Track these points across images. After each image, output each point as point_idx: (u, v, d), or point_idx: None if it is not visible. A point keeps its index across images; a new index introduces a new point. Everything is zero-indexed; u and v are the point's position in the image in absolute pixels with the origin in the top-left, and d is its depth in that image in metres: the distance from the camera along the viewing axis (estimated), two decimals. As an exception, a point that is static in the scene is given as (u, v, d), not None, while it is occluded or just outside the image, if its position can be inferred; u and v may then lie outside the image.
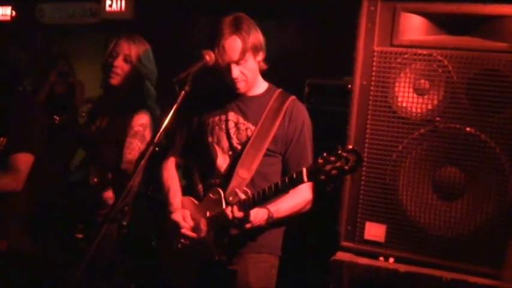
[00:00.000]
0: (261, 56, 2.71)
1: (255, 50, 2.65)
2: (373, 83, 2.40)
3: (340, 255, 2.45)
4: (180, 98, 2.27)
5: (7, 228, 3.32)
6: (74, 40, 8.54)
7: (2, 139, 3.08)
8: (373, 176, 2.41)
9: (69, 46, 8.27)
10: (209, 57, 2.48)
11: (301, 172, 2.31)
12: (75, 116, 6.00)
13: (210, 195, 2.70)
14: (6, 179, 3.14)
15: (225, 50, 2.57)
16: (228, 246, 2.67)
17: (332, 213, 2.53)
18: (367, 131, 2.41)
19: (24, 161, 3.17)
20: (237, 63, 2.61)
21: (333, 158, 2.19)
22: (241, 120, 2.76)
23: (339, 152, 2.18)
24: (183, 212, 2.77)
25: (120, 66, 3.10)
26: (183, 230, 2.72)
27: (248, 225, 2.50)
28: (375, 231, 2.41)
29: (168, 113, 2.21)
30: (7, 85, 3.32)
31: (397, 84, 2.37)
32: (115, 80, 3.09)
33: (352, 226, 2.46)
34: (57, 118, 4.21)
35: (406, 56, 2.37)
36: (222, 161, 2.76)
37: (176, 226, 2.73)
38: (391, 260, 2.39)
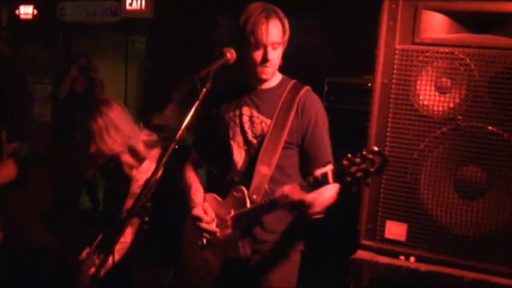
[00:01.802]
0: (284, 50, 2.69)
1: (286, 41, 2.65)
2: (394, 81, 2.39)
3: (361, 254, 2.44)
4: (201, 96, 2.27)
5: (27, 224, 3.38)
6: (94, 38, 8.62)
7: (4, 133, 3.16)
8: (394, 174, 2.40)
9: (90, 44, 8.35)
10: (230, 54, 2.47)
11: (326, 174, 2.26)
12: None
13: (234, 193, 2.68)
14: (6, 169, 3.21)
15: (267, 31, 2.54)
16: (252, 243, 2.66)
17: (349, 211, 2.54)
18: (388, 129, 2.40)
19: (21, 149, 3.27)
20: (273, 46, 2.59)
21: (358, 160, 2.13)
22: (255, 113, 2.72)
23: (364, 153, 2.12)
24: (204, 206, 2.77)
25: None
26: (203, 224, 2.71)
27: (311, 210, 2.38)
28: (395, 229, 2.40)
29: (190, 111, 2.21)
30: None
31: (418, 82, 2.36)
32: None
33: (373, 224, 2.45)
34: (79, 115, 4.23)
35: (427, 54, 2.35)
36: (239, 157, 2.74)
37: (197, 220, 2.73)
38: (412, 259, 2.38)
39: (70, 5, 8.29)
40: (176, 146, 2.18)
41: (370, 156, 2.10)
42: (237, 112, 2.74)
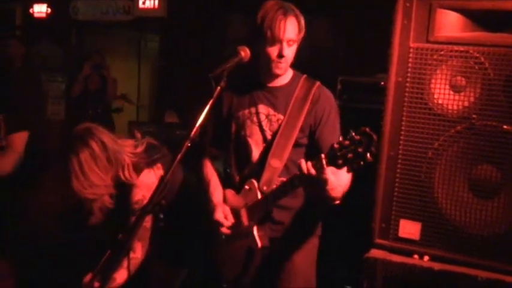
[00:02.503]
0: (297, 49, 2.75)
1: (300, 39, 2.71)
2: (408, 80, 2.38)
3: (374, 253, 2.43)
4: (215, 94, 2.28)
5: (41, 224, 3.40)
6: (107, 37, 8.65)
7: (1, 116, 3.16)
8: (408, 173, 2.39)
9: (103, 43, 8.38)
10: (244, 53, 2.49)
11: (320, 158, 2.31)
12: (109, 111, 6.09)
13: (245, 186, 2.77)
14: (6, 160, 3.23)
15: (284, 27, 2.60)
16: (269, 233, 2.75)
17: (361, 210, 2.54)
18: (402, 128, 2.39)
19: (21, 139, 3.29)
20: (289, 43, 2.65)
21: (347, 142, 2.20)
22: (271, 111, 2.79)
23: (353, 135, 2.19)
24: (224, 210, 2.81)
25: None
26: (224, 230, 2.77)
27: (329, 187, 2.42)
28: (409, 228, 2.39)
29: (204, 109, 2.22)
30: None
31: (433, 81, 2.35)
32: None
33: (387, 223, 2.44)
34: (92, 113, 4.27)
35: (442, 52, 2.34)
36: (257, 154, 2.80)
37: (218, 225, 2.78)
38: (426, 258, 2.37)
39: (83, 3, 8.32)
40: (189, 144, 2.20)
41: (358, 137, 2.17)
42: (253, 110, 2.80)
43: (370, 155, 2.17)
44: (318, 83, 2.81)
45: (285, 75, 2.80)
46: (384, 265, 2.38)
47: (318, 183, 2.39)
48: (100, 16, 8.22)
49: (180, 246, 3.22)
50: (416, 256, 2.39)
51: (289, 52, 2.68)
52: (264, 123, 2.79)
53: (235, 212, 2.79)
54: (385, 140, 2.42)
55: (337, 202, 2.56)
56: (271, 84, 2.81)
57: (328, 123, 2.75)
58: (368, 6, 5.70)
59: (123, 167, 2.98)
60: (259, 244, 2.69)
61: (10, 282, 3.53)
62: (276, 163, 2.69)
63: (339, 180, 2.49)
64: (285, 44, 2.64)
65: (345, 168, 2.28)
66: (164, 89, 8.12)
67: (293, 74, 2.84)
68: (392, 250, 2.43)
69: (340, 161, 2.24)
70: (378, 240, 2.46)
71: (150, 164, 3.04)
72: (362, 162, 2.19)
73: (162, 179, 2.12)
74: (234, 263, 2.83)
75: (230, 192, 2.89)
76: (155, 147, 3.15)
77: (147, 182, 2.93)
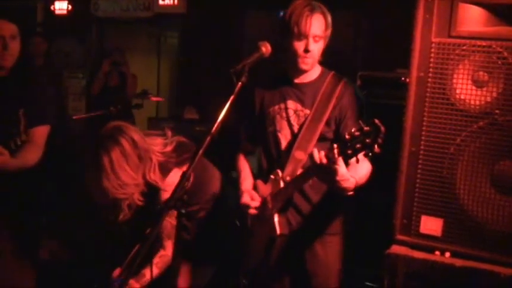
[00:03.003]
0: (325, 46, 2.85)
1: (327, 36, 2.82)
2: (430, 75, 2.37)
3: (395, 249, 2.43)
4: (236, 89, 2.28)
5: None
6: (128, 33, 8.69)
7: (22, 110, 3.17)
8: (430, 169, 2.37)
9: (123, 39, 8.42)
10: (265, 48, 2.49)
11: (332, 147, 2.35)
12: (129, 108, 6.12)
13: (271, 176, 2.90)
14: (28, 153, 3.23)
15: (310, 23, 2.72)
16: (291, 222, 2.88)
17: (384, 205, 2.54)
18: (424, 123, 2.38)
19: (41, 133, 3.31)
20: (315, 39, 2.76)
21: (357, 133, 2.25)
22: (299, 107, 2.90)
23: (362, 126, 2.24)
24: (251, 193, 2.97)
25: None
26: (250, 210, 2.93)
27: (339, 177, 2.45)
28: (431, 225, 2.38)
29: (225, 104, 2.23)
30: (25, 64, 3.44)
31: (455, 76, 2.33)
32: None
33: (408, 219, 2.43)
34: (114, 109, 4.29)
35: (464, 47, 2.32)
36: (285, 146, 2.93)
37: (245, 208, 2.94)
38: (447, 254, 2.36)
39: (103, 0, 8.37)
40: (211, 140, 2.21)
41: (367, 128, 2.22)
42: (282, 106, 2.93)
43: (378, 146, 2.21)
44: (344, 79, 2.90)
45: (312, 71, 2.90)
46: (405, 261, 2.37)
47: (329, 172, 2.44)
48: (120, 13, 8.26)
49: (205, 244, 3.24)
50: (437, 252, 2.38)
51: (315, 48, 2.78)
52: (292, 118, 2.90)
53: (263, 200, 2.93)
54: (407, 135, 2.41)
55: (350, 193, 2.59)
56: (299, 81, 2.92)
57: (353, 118, 2.79)
58: (389, 0, 5.69)
59: (149, 168, 2.97)
60: (278, 231, 2.78)
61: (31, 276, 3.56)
62: (300, 155, 2.78)
63: (354, 172, 2.54)
64: (311, 40, 2.75)
65: (365, 161, 2.40)
66: (183, 85, 8.15)
67: (321, 70, 2.94)
68: (413, 246, 2.43)
69: (349, 151, 2.29)
70: (399, 237, 2.45)
71: (180, 164, 3.03)
72: (370, 153, 2.23)
73: (184, 174, 2.12)
74: (254, 253, 2.96)
75: (260, 182, 3.03)
76: (185, 145, 3.15)
77: (174, 183, 2.94)
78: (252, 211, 2.92)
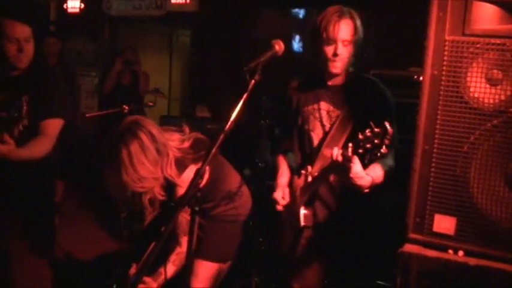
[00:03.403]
0: (357, 50, 3.00)
1: (357, 42, 2.96)
2: (444, 73, 2.35)
3: (408, 248, 2.41)
4: (250, 87, 2.29)
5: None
6: (140, 32, 8.72)
7: (25, 97, 3.19)
8: (443, 167, 2.36)
9: (135, 38, 8.46)
10: (278, 46, 2.49)
11: (347, 146, 2.50)
12: (141, 106, 6.15)
13: (302, 171, 3.07)
14: (37, 144, 3.25)
15: (338, 28, 2.89)
16: (316, 215, 3.05)
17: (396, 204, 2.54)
18: (438, 121, 2.36)
19: (54, 125, 3.33)
20: (343, 43, 2.91)
21: (369, 134, 2.39)
22: (331, 108, 3.05)
23: (373, 127, 2.38)
24: (284, 190, 3.20)
25: None
26: (278, 207, 3.16)
27: (354, 175, 2.61)
28: (444, 223, 2.37)
29: (239, 102, 2.23)
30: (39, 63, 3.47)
31: (469, 74, 2.32)
32: None
33: (421, 218, 2.42)
34: (126, 107, 4.30)
35: (478, 45, 2.30)
36: (316, 145, 3.09)
37: (275, 203, 3.17)
38: (461, 253, 2.34)
39: (116, -1, 8.42)
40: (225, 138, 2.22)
41: (377, 130, 2.36)
42: (316, 106, 3.09)
43: (385, 147, 2.36)
44: (375, 81, 3.08)
45: (344, 74, 3.04)
46: (418, 260, 2.36)
47: (344, 170, 2.60)
48: (132, 11, 8.28)
49: (220, 240, 3.25)
50: (451, 251, 2.37)
51: (344, 51, 2.93)
52: (325, 118, 3.06)
53: (294, 194, 3.12)
54: (420, 133, 2.39)
55: (366, 191, 2.72)
56: (331, 83, 3.07)
57: (382, 118, 2.79)
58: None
59: (166, 163, 2.97)
60: (302, 223, 2.98)
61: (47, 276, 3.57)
62: (328, 153, 2.84)
63: (372, 171, 2.72)
64: (339, 44, 2.90)
65: (386, 160, 2.64)
66: (195, 83, 8.16)
67: (352, 73, 3.08)
68: (426, 245, 2.41)
69: (360, 150, 2.44)
70: (412, 235, 2.44)
71: (196, 160, 3.04)
72: (378, 154, 2.38)
73: (198, 171, 2.13)
74: (284, 243, 3.18)
75: (295, 177, 3.21)
76: (203, 142, 3.16)
77: (190, 179, 2.94)
78: (279, 207, 3.14)
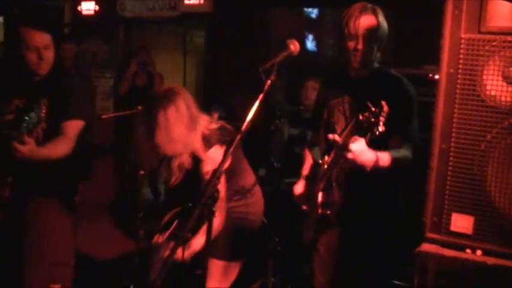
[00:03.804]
0: (380, 45, 3.03)
1: (379, 38, 2.99)
2: (460, 71, 2.35)
3: (426, 247, 2.41)
4: (266, 88, 2.29)
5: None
6: (154, 33, 8.74)
7: (44, 100, 3.23)
8: (461, 166, 2.35)
9: (149, 38, 8.48)
10: (294, 46, 2.49)
11: (348, 127, 2.65)
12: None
13: (320, 161, 3.14)
14: (57, 144, 3.29)
15: (359, 23, 2.93)
16: (334, 202, 3.07)
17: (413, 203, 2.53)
18: (454, 120, 2.36)
19: (74, 127, 3.37)
20: (364, 38, 2.94)
21: (367, 114, 2.47)
22: (354, 102, 3.08)
23: (370, 107, 2.46)
24: (302, 181, 3.31)
25: None
26: (296, 199, 3.27)
27: (349, 155, 2.65)
28: (462, 222, 2.36)
29: (255, 103, 2.23)
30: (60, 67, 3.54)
31: (485, 72, 2.31)
32: None
33: (438, 217, 2.41)
34: (141, 108, 4.33)
35: (494, 43, 2.30)
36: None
37: (293, 193, 3.29)
38: (479, 252, 2.33)
39: (130, 0, 8.43)
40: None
41: (374, 109, 2.44)
42: (340, 100, 3.14)
43: (382, 124, 2.43)
44: (399, 77, 3.07)
45: (368, 68, 3.06)
46: (435, 259, 2.35)
47: (344, 149, 2.66)
48: (146, 12, 8.30)
49: (235, 239, 3.26)
50: (468, 250, 2.36)
51: (365, 47, 2.95)
52: (348, 112, 3.10)
53: (314, 184, 3.16)
54: (437, 132, 2.39)
55: (368, 169, 2.74)
56: (355, 77, 3.10)
57: (401, 113, 2.88)
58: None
59: (195, 135, 3.13)
60: (320, 210, 3.03)
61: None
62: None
63: (380, 153, 2.75)
64: (360, 39, 2.94)
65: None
66: (210, 84, 8.17)
67: (377, 67, 3.10)
68: (444, 244, 2.40)
69: (360, 130, 2.53)
70: (430, 234, 2.43)
71: (222, 142, 3.16)
72: (377, 132, 2.45)
73: (214, 172, 2.14)
74: (305, 231, 3.22)
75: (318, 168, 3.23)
76: (229, 131, 3.25)
77: (214, 157, 3.03)
78: (298, 199, 3.26)
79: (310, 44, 7.81)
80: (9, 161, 3.09)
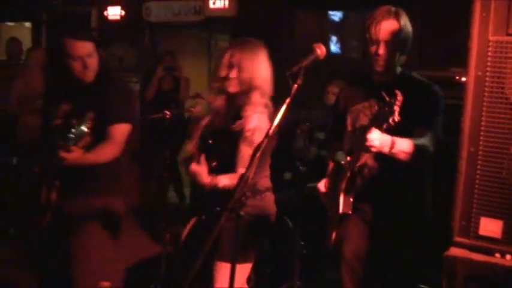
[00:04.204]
0: (404, 48, 3.02)
1: (402, 42, 2.98)
2: (488, 74, 2.32)
3: (454, 251, 2.39)
4: (293, 92, 2.29)
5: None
6: (179, 37, 8.79)
7: (90, 113, 3.26)
8: (489, 170, 2.33)
9: (174, 43, 8.53)
10: (320, 50, 2.48)
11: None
12: (183, 111, 6.20)
13: (342, 162, 3.15)
14: (104, 149, 3.34)
15: (379, 28, 2.93)
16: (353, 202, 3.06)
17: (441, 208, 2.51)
18: (482, 123, 2.34)
19: (121, 130, 3.41)
20: (385, 43, 2.95)
21: (382, 105, 2.57)
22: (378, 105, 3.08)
23: (385, 97, 2.55)
24: (325, 181, 3.33)
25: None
26: (321, 197, 3.31)
27: (366, 143, 2.71)
28: (491, 226, 2.33)
29: (282, 107, 2.24)
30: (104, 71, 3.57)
31: (514, 74, 2.29)
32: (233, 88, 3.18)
33: (467, 221, 2.39)
34: (168, 113, 4.36)
35: (523, 45, 2.28)
36: None
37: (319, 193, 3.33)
38: (508, 257, 2.30)
39: (155, 5, 8.50)
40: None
41: (387, 98, 2.53)
42: (366, 104, 3.12)
43: (397, 113, 2.50)
44: (420, 79, 3.08)
45: (391, 72, 3.07)
46: (464, 264, 2.33)
47: (362, 141, 2.73)
48: (172, 17, 8.36)
49: (246, 241, 3.24)
50: (498, 255, 2.33)
51: (386, 51, 2.96)
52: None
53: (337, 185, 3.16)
54: (465, 135, 2.37)
55: (386, 150, 2.77)
56: (379, 81, 3.09)
57: (424, 115, 2.91)
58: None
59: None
60: (341, 210, 3.03)
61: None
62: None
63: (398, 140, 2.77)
64: (381, 44, 2.95)
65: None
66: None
67: (400, 71, 3.11)
68: (472, 249, 2.38)
69: (376, 121, 2.63)
70: (458, 239, 2.41)
71: (270, 117, 3.13)
72: (391, 121, 2.53)
73: (242, 176, 2.14)
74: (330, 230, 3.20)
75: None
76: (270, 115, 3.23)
77: (261, 123, 3.05)
78: (322, 198, 3.30)
79: (334, 47, 7.80)
80: (57, 166, 3.19)
